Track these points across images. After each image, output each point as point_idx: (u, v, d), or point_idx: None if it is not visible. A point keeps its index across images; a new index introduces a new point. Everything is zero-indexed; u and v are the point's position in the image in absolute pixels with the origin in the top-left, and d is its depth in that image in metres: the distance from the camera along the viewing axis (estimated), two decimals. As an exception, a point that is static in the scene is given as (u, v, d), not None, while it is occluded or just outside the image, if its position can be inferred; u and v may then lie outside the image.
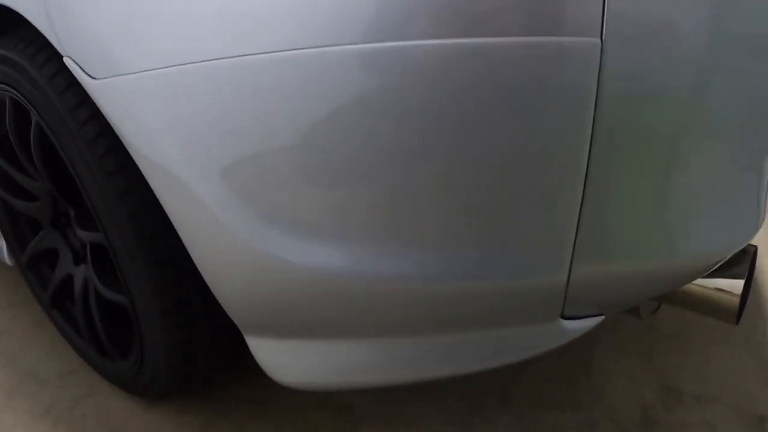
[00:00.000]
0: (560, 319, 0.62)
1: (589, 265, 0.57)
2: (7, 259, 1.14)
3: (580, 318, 0.63)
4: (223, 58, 0.50)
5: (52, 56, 0.71)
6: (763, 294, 1.38)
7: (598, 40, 0.48)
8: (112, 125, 0.61)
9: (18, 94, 0.79)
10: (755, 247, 0.79)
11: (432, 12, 0.47)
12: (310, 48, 0.48)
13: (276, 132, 0.50)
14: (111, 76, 0.57)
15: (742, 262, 0.75)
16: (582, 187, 0.53)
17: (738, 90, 0.63)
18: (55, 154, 0.78)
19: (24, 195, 0.99)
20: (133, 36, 0.55)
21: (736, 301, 0.73)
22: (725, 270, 0.75)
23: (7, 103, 0.84)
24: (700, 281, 0.75)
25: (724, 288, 0.74)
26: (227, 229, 0.55)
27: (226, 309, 0.66)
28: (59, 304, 1.06)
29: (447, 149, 0.49)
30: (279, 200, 0.53)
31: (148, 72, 0.53)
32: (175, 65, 0.52)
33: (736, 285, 0.74)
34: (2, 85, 0.83)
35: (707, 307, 0.76)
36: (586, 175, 0.52)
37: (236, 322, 0.67)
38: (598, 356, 1.13)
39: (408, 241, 0.53)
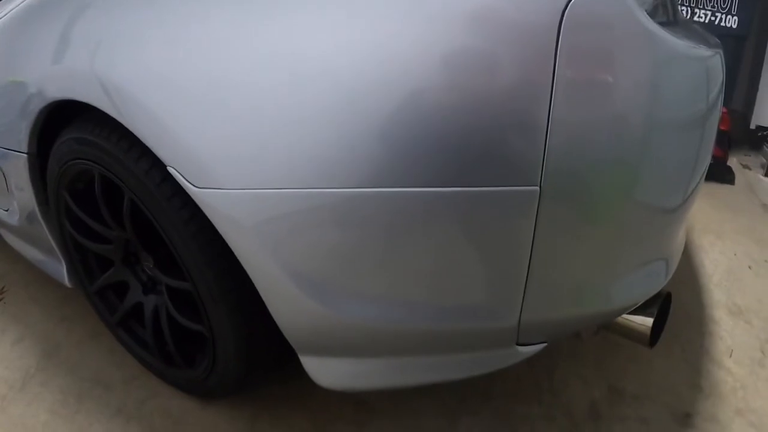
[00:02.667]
0: (515, 345, 0.99)
1: (535, 314, 0.94)
2: (68, 282, 1.44)
3: (531, 344, 1.00)
4: (307, 189, 0.85)
5: (146, 152, 1.00)
6: (701, 312, 1.74)
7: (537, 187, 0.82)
8: (209, 219, 0.94)
9: (109, 173, 1.10)
10: (668, 293, 1.16)
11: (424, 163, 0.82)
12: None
13: (327, 242, 0.88)
14: (211, 188, 0.91)
15: (654, 304, 1.12)
16: (527, 270, 0.88)
17: (651, 169, 0.94)
18: (142, 218, 1.10)
19: (99, 239, 1.30)
20: (232, 159, 0.88)
21: (647, 331, 1.11)
22: (643, 309, 1.12)
23: (97, 177, 1.16)
24: (624, 316, 1.12)
25: (640, 322, 1.12)
26: (300, 298, 0.92)
27: (290, 341, 1.03)
28: (125, 324, 1.38)
29: (436, 254, 0.87)
30: (332, 280, 0.91)
31: (243, 191, 0.88)
32: (259, 189, 0.87)
33: (648, 321, 1.11)
34: (92, 163, 1.13)
35: (629, 333, 1.13)
36: (530, 262, 0.88)
37: (295, 347, 1.04)
38: (559, 362, 1.50)
39: (405, 301, 0.91)
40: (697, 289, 1.86)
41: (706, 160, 1.19)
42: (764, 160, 2.84)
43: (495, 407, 1.36)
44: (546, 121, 0.79)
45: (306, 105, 0.83)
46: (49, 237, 1.40)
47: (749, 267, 1.98)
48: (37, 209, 1.36)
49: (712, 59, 1.13)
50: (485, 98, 0.79)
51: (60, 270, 1.45)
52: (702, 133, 1.07)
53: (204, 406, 1.31)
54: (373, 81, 0.81)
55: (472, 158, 0.81)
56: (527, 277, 0.89)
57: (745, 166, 2.92)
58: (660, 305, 1.12)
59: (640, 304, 1.09)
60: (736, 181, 2.71)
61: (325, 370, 1.04)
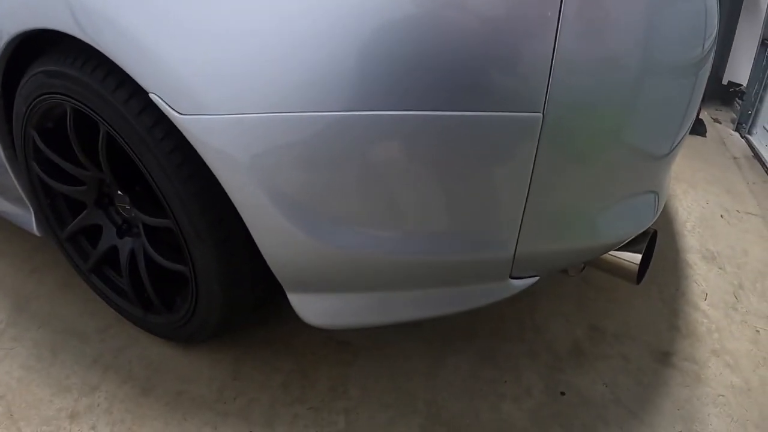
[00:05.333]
0: (509, 278, 0.99)
1: (530, 246, 0.94)
2: (36, 231, 1.40)
3: (523, 278, 1.01)
4: (294, 113, 0.83)
5: (124, 81, 0.97)
6: (677, 257, 1.79)
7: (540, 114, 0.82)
8: (195, 149, 0.91)
9: (83, 107, 1.06)
10: (654, 231, 1.18)
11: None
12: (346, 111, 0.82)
13: (315, 168, 0.86)
14: (196, 114, 0.88)
15: (642, 241, 1.14)
16: (525, 197, 0.88)
17: (647, 111, 0.95)
18: (118, 154, 1.07)
19: (70, 181, 1.25)
20: (217, 82, 0.84)
21: (635, 268, 1.13)
22: (631, 246, 1.14)
23: (69, 112, 1.11)
24: (612, 252, 1.14)
25: (628, 259, 1.14)
26: (288, 228, 0.91)
27: (277, 275, 1.01)
28: (99, 270, 1.34)
29: (429, 180, 0.86)
30: (320, 207, 0.89)
31: (229, 116, 0.85)
32: (249, 113, 0.84)
33: (636, 257, 1.13)
34: (64, 97, 1.09)
35: (617, 270, 1.16)
36: (529, 190, 0.88)
37: (282, 283, 1.02)
38: (542, 301, 1.54)
39: (396, 229, 0.91)
40: (672, 234, 1.90)
41: (697, 104, 1.21)
42: (734, 116, 2.89)
43: (480, 345, 1.38)
44: (552, 50, 0.80)
45: (292, 26, 0.81)
46: (16, 183, 1.34)
47: (721, 216, 2.03)
48: (2, 154, 1.31)
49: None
50: (494, 24, 0.79)
51: (28, 219, 1.40)
52: (695, 79, 1.08)
53: (184, 352, 1.31)
54: (366, 5, 0.79)
55: (478, 83, 0.80)
56: (525, 206, 0.89)
57: (716, 120, 2.97)
58: (648, 243, 1.14)
59: (629, 240, 1.11)
60: (708, 134, 2.76)
61: (312, 307, 1.03)
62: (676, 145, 1.13)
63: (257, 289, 1.12)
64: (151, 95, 0.92)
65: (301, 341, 1.35)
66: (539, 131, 0.83)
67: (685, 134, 1.17)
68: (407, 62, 0.79)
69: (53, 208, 1.34)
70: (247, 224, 0.95)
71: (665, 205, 2.04)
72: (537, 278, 1.01)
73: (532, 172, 0.86)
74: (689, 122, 1.15)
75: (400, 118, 0.81)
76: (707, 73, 1.14)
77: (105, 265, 1.35)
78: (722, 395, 1.29)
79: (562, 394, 1.27)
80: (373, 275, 0.97)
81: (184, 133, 0.91)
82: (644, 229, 1.13)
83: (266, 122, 0.84)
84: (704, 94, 2.79)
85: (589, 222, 1.00)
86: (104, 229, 1.31)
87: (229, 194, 0.93)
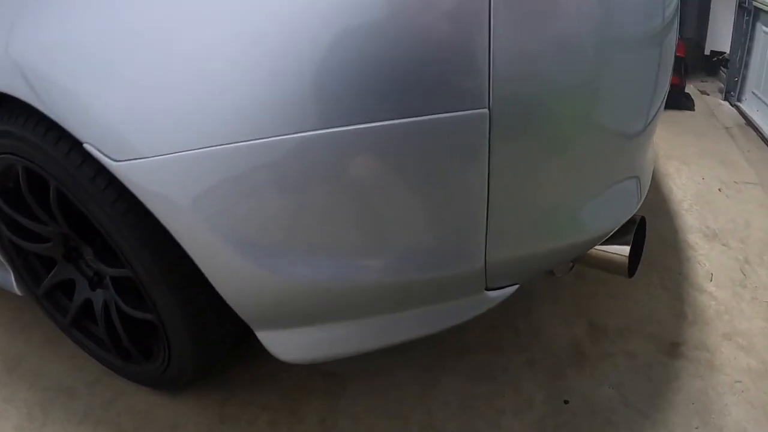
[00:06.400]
0: (485, 291, 0.91)
1: (501, 253, 0.85)
2: (17, 290, 1.35)
3: (501, 288, 0.92)
4: (219, 146, 0.76)
5: (63, 134, 0.91)
6: (676, 239, 1.69)
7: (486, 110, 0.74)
8: (135, 193, 0.84)
9: (32, 164, 1.01)
10: (642, 218, 1.08)
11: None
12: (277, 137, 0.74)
13: (258, 198, 0.78)
14: (130, 160, 0.81)
15: (629, 231, 1.04)
16: (486, 202, 0.79)
17: (609, 90, 0.87)
18: (74, 208, 1.01)
19: (36, 238, 1.20)
20: (148, 123, 0.78)
21: (625, 260, 1.03)
22: (618, 237, 1.04)
23: (21, 171, 1.06)
24: (599, 247, 1.04)
25: (616, 252, 1.04)
26: (243, 266, 0.83)
27: (239, 314, 0.93)
28: (79, 324, 1.29)
29: (382, 197, 0.78)
30: (269, 239, 0.81)
31: (164, 156, 0.78)
32: (183, 151, 0.77)
33: (625, 249, 1.03)
34: (14, 156, 1.04)
35: (606, 265, 1.05)
36: (489, 194, 0.79)
37: (247, 321, 0.94)
38: (536, 304, 1.43)
39: (358, 254, 0.82)
40: (668, 215, 1.80)
41: (668, 75, 1.12)
42: (721, 85, 2.80)
43: (473, 360, 1.29)
44: (488, 41, 0.72)
45: (220, 53, 0.74)
46: (-7, 246, 1.29)
47: (719, 189, 1.93)
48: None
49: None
50: (422, 26, 0.72)
51: (9, 279, 1.35)
52: (660, 50, 0.99)
53: (171, 399, 1.25)
54: (295, 21, 0.73)
55: (416, 87, 0.72)
56: (488, 212, 0.81)
57: (703, 92, 2.87)
58: (635, 231, 1.04)
59: (614, 231, 1.02)
60: (696, 107, 2.67)
61: (284, 344, 0.95)
62: (651, 122, 1.03)
63: (227, 329, 1.05)
64: (85, 146, 0.86)
65: (287, 376, 1.28)
66: (488, 128, 0.75)
67: (658, 109, 1.07)
68: (340, 77, 0.72)
69: (27, 266, 1.30)
70: (199, 265, 0.87)
71: (659, 186, 1.95)
72: (516, 286, 0.92)
73: (489, 174, 0.78)
74: (661, 95, 1.06)
75: (337, 136, 0.74)
76: (674, 41, 1.05)
77: (84, 318, 1.29)
78: (739, 381, 1.19)
79: (566, 402, 1.17)
80: (338, 304, 0.89)
81: (122, 180, 0.85)
82: (629, 218, 1.04)
83: (201, 158, 0.77)
84: (688, 67, 2.73)
85: (566, 218, 0.91)
86: (77, 282, 1.25)
87: (176, 238, 0.86)
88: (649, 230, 1.68)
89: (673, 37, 1.02)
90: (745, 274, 1.51)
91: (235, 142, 0.75)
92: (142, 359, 1.19)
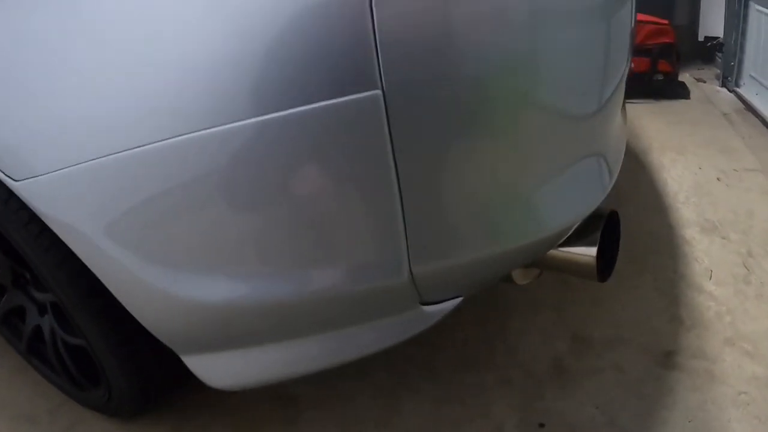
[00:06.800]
0: (421, 306, 0.80)
1: (429, 262, 0.75)
2: None
3: (439, 302, 0.81)
4: (110, 155, 0.68)
5: None
6: (671, 235, 1.57)
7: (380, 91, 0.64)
8: (37, 214, 0.78)
9: None
10: (612, 212, 0.94)
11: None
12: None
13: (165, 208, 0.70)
14: (27, 178, 0.74)
15: (596, 228, 0.90)
16: (399, 202, 0.69)
17: (560, 62, 0.75)
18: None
19: None
20: (39, 138, 0.72)
21: (592, 261, 0.89)
22: (585, 236, 0.90)
23: None
24: (564, 248, 0.90)
25: (581, 253, 0.90)
26: (151, 287, 0.76)
27: (158, 337, 0.86)
28: (35, 350, 1.24)
29: (284, 202, 0.69)
30: (170, 257, 0.74)
31: (55, 172, 0.71)
32: (71, 166, 0.70)
33: (591, 250, 0.89)
34: None
35: (574, 269, 0.91)
36: (400, 191, 0.69)
37: (170, 345, 0.87)
38: (513, 315, 1.31)
39: (264, 267, 0.74)
40: (662, 210, 1.68)
41: (624, 55, 0.99)
42: (718, 71, 2.67)
43: (441, 381, 1.16)
44: (369, 13, 0.62)
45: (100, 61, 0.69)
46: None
47: (718, 179, 1.80)
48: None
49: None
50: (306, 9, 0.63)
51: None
52: (607, 26, 0.87)
53: (125, 427, 1.18)
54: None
55: (298, 74, 0.64)
56: (403, 211, 0.70)
57: (700, 80, 2.75)
58: (603, 228, 0.90)
59: (574, 227, 0.88)
60: (692, 95, 2.55)
61: (211, 369, 0.86)
62: (606, 102, 0.91)
63: (164, 357, 0.96)
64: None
65: (240, 400, 1.19)
66: (385, 114, 0.65)
67: (616, 89, 0.96)
68: (226, 69, 0.64)
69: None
70: (110, 288, 0.81)
71: (652, 180, 1.83)
72: (460, 299, 0.82)
73: (396, 166, 0.67)
74: (618, 75, 0.95)
75: (230, 133, 0.65)
76: (629, 18, 0.95)
77: (41, 344, 1.23)
78: (744, 392, 1.07)
79: (541, 425, 1.05)
80: (259, 326, 0.80)
81: (24, 200, 0.78)
82: (594, 211, 0.90)
83: (94, 170, 0.71)
84: (680, 54, 2.61)
85: (507, 214, 0.79)
86: (27, 309, 1.21)
87: (81, 258, 0.79)
88: (640, 227, 1.56)
89: (626, 14, 0.92)
90: (748, 269, 1.39)
91: (112, 152, 0.69)
92: (90, 386, 1.13)
